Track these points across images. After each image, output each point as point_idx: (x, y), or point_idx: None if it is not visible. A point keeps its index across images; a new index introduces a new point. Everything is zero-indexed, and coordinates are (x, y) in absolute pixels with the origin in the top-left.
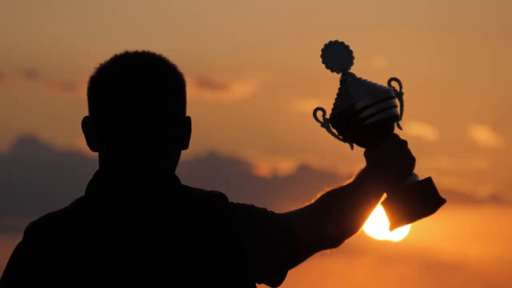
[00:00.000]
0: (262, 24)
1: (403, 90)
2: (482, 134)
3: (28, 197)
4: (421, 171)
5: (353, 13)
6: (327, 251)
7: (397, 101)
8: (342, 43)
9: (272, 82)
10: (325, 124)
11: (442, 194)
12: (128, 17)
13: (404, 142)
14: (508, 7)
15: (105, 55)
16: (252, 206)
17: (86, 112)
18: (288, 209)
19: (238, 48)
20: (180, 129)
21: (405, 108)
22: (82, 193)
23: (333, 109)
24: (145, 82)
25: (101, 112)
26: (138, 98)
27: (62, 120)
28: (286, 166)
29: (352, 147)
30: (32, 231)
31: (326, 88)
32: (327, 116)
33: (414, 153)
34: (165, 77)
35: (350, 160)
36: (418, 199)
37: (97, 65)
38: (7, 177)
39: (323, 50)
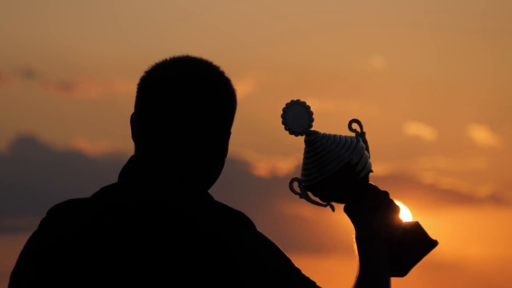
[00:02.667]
0: (260, 23)
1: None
2: (481, 134)
3: (26, 197)
4: (420, 171)
5: (351, 13)
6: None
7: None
8: (303, 102)
9: (270, 81)
10: (303, 194)
11: (441, 194)
12: (126, 17)
13: (386, 193)
14: (506, 7)
15: (103, 55)
16: (277, 260)
17: (83, 112)
18: (286, 208)
19: (236, 47)
20: (225, 144)
21: (404, 108)
22: (80, 192)
23: (316, 173)
24: (205, 95)
25: (153, 115)
26: (195, 109)
27: (60, 120)
28: (285, 166)
29: (333, 209)
30: (47, 219)
31: (324, 88)
32: (304, 183)
33: (412, 153)
34: (225, 91)
35: None
36: (411, 247)
37: (153, 64)
38: (5, 177)
39: (284, 110)
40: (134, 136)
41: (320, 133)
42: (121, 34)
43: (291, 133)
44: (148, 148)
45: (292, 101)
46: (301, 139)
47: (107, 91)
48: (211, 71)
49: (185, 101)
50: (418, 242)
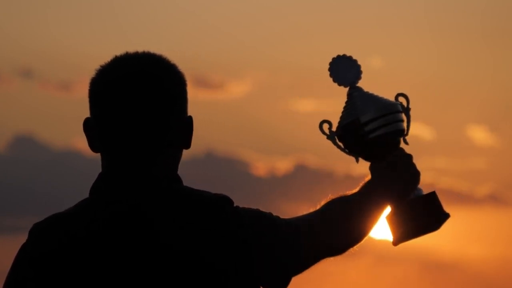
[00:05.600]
0: (259, 23)
1: (410, 106)
2: (480, 134)
3: (26, 197)
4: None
5: (350, 13)
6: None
7: (404, 116)
8: (350, 57)
9: (268, 81)
10: (331, 137)
11: (440, 194)
12: (124, 16)
13: (409, 156)
14: (506, 7)
15: (102, 55)
16: (258, 210)
17: (82, 112)
18: (285, 208)
19: (235, 47)
20: (183, 130)
21: None
22: (79, 192)
23: (339, 122)
24: (146, 85)
25: (104, 117)
26: (140, 102)
27: (59, 119)
28: (283, 165)
29: (357, 161)
30: (33, 232)
31: (323, 88)
32: (334, 128)
33: (411, 153)
34: (166, 79)
35: (347, 160)
36: (421, 213)
37: (98, 67)
38: (4, 177)
39: (330, 64)
40: (92, 143)
41: (362, 89)
42: (121, 34)
43: (339, 84)
44: (111, 151)
45: (342, 55)
46: (299, 138)
47: None
48: (152, 63)
49: (132, 98)
50: (430, 210)
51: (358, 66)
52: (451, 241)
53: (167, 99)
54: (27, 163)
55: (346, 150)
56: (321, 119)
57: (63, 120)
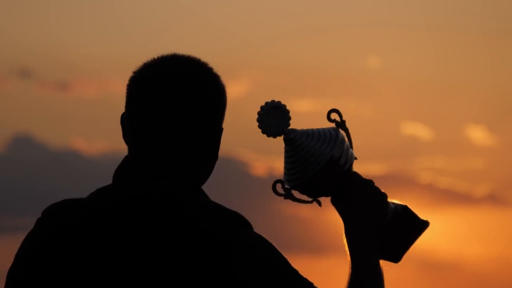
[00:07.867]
0: (256, 23)
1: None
2: (478, 134)
3: (24, 196)
4: (417, 170)
5: (347, 12)
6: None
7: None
8: (278, 102)
9: (266, 81)
10: (287, 194)
11: (439, 194)
12: (123, 16)
13: (371, 182)
14: (505, 7)
15: (101, 55)
16: (272, 246)
17: (80, 112)
18: (284, 208)
19: (232, 47)
20: (216, 140)
21: (401, 108)
22: (78, 191)
23: (299, 172)
24: (194, 91)
25: (144, 114)
26: (185, 106)
27: (57, 119)
28: (282, 165)
29: (319, 204)
30: (41, 218)
31: (321, 88)
32: (287, 184)
33: (410, 153)
34: (212, 88)
35: None
36: (402, 232)
37: (142, 63)
38: (2, 177)
39: (259, 114)
40: (125, 136)
41: (298, 130)
42: (118, 33)
43: (268, 135)
44: (140, 147)
45: (266, 103)
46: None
47: (103, 91)
48: (199, 68)
49: (174, 99)
50: (409, 226)
51: (286, 110)
52: (449, 241)
53: (213, 107)
54: (25, 163)
55: (309, 200)
56: (319, 119)
57: (61, 120)
